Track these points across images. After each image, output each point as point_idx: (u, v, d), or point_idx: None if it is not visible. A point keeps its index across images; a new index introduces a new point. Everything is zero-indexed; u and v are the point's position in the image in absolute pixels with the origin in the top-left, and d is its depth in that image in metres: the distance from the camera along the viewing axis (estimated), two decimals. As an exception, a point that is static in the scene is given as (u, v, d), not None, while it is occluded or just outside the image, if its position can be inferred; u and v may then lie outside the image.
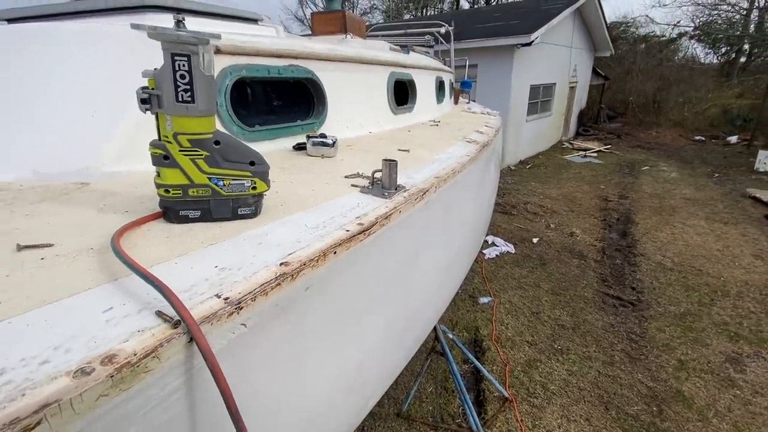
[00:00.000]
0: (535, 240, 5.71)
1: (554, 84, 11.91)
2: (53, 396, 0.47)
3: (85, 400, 0.49)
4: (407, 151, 2.03)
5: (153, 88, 0.87)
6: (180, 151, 0.91)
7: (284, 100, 2.45)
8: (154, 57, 0.92)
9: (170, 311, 0.63)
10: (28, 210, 1.01)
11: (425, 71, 3.50)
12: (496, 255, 5.25)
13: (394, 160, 1.33)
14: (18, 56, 1.49)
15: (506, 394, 2.94)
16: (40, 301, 0.64)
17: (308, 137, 1.85)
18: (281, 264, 0.83)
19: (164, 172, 0.92)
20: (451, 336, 3.08)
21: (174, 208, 0.95)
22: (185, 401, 0.65)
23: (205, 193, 0.96)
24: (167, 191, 0.93)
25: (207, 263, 0.81)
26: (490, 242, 5.57)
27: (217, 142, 0.95)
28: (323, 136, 1.86)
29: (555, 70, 11.67)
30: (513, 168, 10.11)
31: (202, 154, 0.93)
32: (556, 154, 11.96)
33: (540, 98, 11.23)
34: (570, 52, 12.45)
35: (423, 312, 2.11)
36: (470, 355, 3.16)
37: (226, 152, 0.97)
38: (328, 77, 2.19)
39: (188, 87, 0.86)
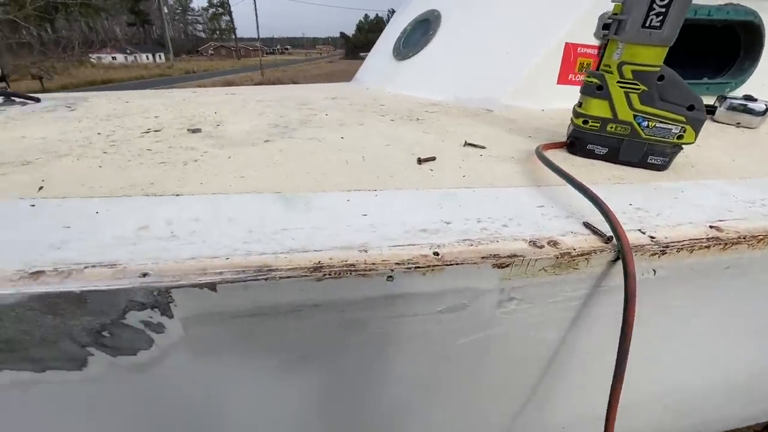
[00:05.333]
0: None
1: None
2: (518, 252, 0.58)
3: (535, 265, 0.59)
4: None
5: (618, 14, 0.85)
6: (618, 82, 0.88)
7: (689, 51, 2.00)
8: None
9: (601, 226, 0.64)
10: (460, 121, 1.29)
11: None
12: None
13: None
14: (458, 6, 1.85)
15: None
16: (487, 184, 0.80)
17: (722, 98, 1.45)
18: (711, 226, 0.69)
19: (590, 103, 0.93)
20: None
21: (584, 140, 0.96)
22: (581, 309, 0.68)
23: (622, 132, 0.91)
24: (585, 122, 0.94)
25: (619, 198, 0.78)
26: None
27: (661, 77, 0.86)
28: (749, 98, 1.40)
29: None
30: None
31: (639, 89, 0.87)
32: None
33: None
34: None
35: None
36: None
37: (666, 90, 0.86)
38: (782, 22, 1.59)
39: (663, 10, 0.79)
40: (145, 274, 0.49)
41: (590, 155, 0.97)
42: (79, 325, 0.50)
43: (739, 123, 1.39)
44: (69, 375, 0.56)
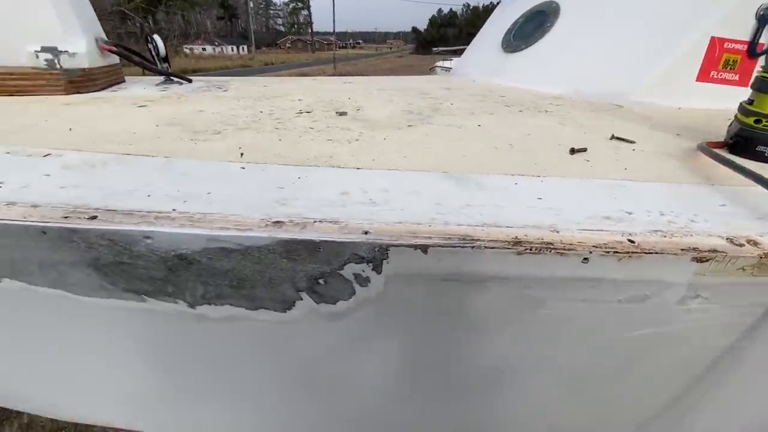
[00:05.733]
0: None
1: None
2: (718, 247, 0.56)
3: (736, 264, 0.56)
4: None
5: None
6: (810, 78, 0.80)
7: None
8: None
9: (807, 230, 0.59)
10: (592, 115, 1.25)
11: None
12: None
13: None
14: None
15: None
16: (654, 177, 0.78)
17: None
18: None
19: (766, 100, 0.85)
20: None
21: (752, 141, 0.89)
22: (764, 317, 0.64)
23: (807, 133, 0.83)
24: (758, 121, 0.87)
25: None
26: None
27: None
28: None
29: None
30: None
31: (837, 86, 0.78)
32: None
33: None
34: None
35: None
36: None
37: None
38: None
39: None
40: (366, 232, 0.55)
41: (759, 158, 0.89)
42: (304, 271, 0.58)
43: None
44: (273, 315, 0.65)
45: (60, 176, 0.67)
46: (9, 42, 1.14)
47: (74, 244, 0.56)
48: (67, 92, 1.19)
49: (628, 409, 0.82)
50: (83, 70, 1.22)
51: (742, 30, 1.41)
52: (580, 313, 0.63)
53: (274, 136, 0.90)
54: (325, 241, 0.54)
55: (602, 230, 0.58)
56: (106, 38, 1.36)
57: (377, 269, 0.57)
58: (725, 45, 1.41)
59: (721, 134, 1.00)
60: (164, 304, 0.65)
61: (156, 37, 1.45)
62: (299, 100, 1.28)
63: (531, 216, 0.61)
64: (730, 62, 1.44)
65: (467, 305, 0.61)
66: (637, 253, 0.55)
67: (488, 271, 0.57)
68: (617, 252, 0.55)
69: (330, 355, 0.71)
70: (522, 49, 1.89)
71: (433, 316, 0.63)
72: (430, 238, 0.55)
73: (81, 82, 1.23)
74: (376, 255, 0.55)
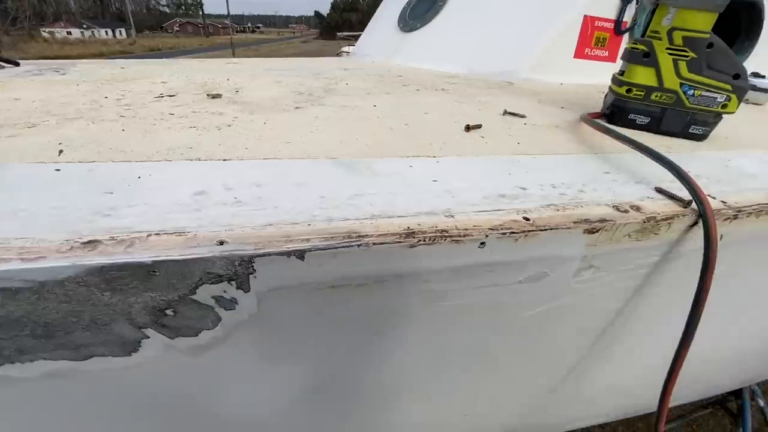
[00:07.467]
0: None
1: None
2: (607, 216, 0.56)
3: (622, 230, 0.56)
4: None
5: (673, -25, 0.82)
6: (667, 49, 0.86)
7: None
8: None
9: (679, 193, 0.62)
10: (486, 92, 1.25)
11: None
12: None
13: None
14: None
15: None
16: (544, 150, 0.77)
17: (732, 76, 1.47)
18: (773, 193, 0.69)
19: (635, 71, 0.91)
20: (762, 404, 2.13)
21: (625, 109, 0.94)
22: (647, 276, 0.67)
23: (667, 101, 0.90)
24: (629, 90, 0.92)
25: (675, 166, 0.76)
26: None
27: (710, 45, 0.84)
28: (756, 75, 1.43)
29: None
30: None
31: (687, 56, 0.85)
32: None
33: None
34: None
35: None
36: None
37: (713, 58, 0.85)
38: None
39: (723, -29, 0.76)
40: (222, 242, 0.43)
41: (631, 125, 0.95)
42: (140, 303, 0.43)
43: (747, 100, 1.42)
44: (112, 362, 0.49)
45: None
46: None
47: None
48: None
49: (538, 378, 0.83)
50: None
51: (610, 9, 1.53)
52: (481, 300, 0.59)
53: (116, 126, 0.71)
54: (160, 261, 0.40)
55: (499, 209, 0.54)
56: None
57: (243, 287, 0.45)
58: (596, 23, 1.52)
59: (598, 106, 1.06)
60: (-61, 374, 0.45)
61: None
62: (162, 82, 1.06)
63: (426, 201, 0.54)
64: (601, 40, 1.56)
65: (361, 310, 0.53)
66: (533, 231, 0.51)
67: (379, 270, 0.48)
68: (513, 232, 0.51)
69: (202, 393, 0.58)
70: (418, 29, 1.85)
71: (325, 327, 0.54)
72: (307, 240, 0.44)
73: None
74: (239, 270, 0.43)
